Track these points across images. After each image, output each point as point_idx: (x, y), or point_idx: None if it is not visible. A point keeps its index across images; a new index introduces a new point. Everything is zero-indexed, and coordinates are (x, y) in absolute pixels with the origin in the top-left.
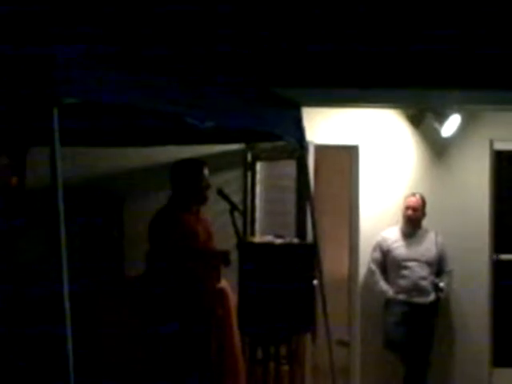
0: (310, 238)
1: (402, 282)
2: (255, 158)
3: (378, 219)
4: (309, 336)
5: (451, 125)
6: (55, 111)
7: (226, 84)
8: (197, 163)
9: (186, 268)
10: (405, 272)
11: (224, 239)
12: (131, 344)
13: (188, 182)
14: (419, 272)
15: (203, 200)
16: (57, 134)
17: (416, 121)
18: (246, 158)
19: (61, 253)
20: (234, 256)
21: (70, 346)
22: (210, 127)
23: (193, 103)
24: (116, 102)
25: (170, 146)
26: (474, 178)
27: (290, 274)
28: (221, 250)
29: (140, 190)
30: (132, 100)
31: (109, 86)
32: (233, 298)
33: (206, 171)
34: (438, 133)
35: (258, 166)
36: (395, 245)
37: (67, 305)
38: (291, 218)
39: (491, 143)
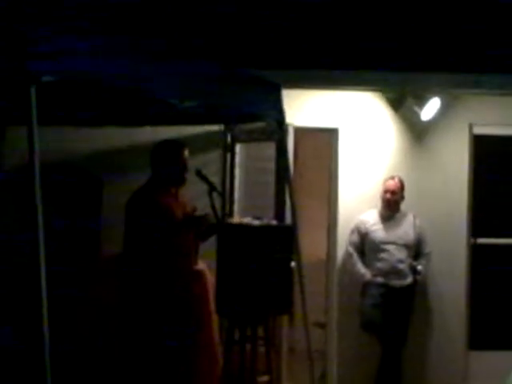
0: (288, 220)
1: (380, 265)
2: (234, 140)
3: (357, 202)
4: (286, 317)
5: (431, 108)
6: (33, 90)
7: (206, 65)
8: (177, 145)
9: (162, 249)
10: (383, 255)
11: None
12: (108, 323)
13: (167, 163)
14: (397, 255)
15: (181, 182)
16: (34, 113)
17: (396, 104)
18: (225, 139)
19: (37, 232)
20: (212, 238)
21: (45, 327)
22: (190, 107)
23: (172, 83)
24: (95, 81)
25: (149, 127)
26: (453, 162)
27: (268, 256)
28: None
29: (119, 170)
30: (110, 79)
31: (86, 65)
32: (211, 280)
33: (185, 153)
34: (417, 116)
35: (238, 147)
36: (373, 228)
37: (43, 285)
38: (270, 200)
39: (471, 127)
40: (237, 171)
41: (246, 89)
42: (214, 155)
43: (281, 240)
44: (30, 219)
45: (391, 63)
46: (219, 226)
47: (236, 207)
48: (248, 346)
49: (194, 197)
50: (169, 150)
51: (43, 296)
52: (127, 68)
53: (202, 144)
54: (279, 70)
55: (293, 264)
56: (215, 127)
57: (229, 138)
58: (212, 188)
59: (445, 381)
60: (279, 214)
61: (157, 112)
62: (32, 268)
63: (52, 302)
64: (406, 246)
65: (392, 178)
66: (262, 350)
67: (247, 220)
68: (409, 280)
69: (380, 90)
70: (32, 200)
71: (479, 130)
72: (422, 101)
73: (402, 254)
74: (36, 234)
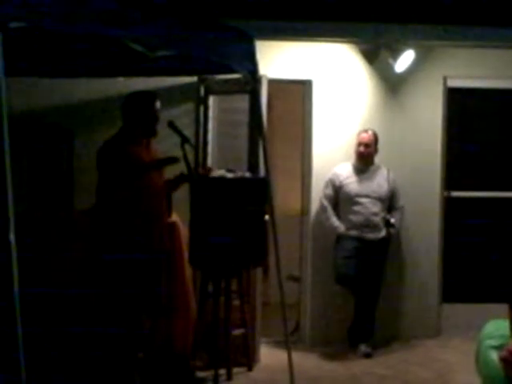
0: (262, 172)
1: (354, 218)
2: (208, 92)
3: (331, 155)
4: (260, 271)
5: (405, 61)
6: None
7: (179, 14)
8: (148, 95)
9: (134, 199)
10: (357, 208)
11: (176, 173)
12: (81, 278)
13: (138, 114)
14: (371, 208)
15: (152, 133)
16: (1, 63)
17: (370, 56)
18: (198, 91)
19: (6, 186)
20: (185, 191)
21: (16, 285)
22: (161, 58)
23: (143, 33)
24: (66, 29)
25: (122, 78)
26: (427, 114)
27: (241, 209)
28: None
29: (90, 122)
30: (83, 27)
31: (58, 11)
32: (184, 232)
33: (157, 104)
34: (391, 69)
35: (211, 100)
36: (347, 181)
37: (13, 239)
38: (244, 153)
39: (445, 80)
40: (210, 124)
41: (218, 39)
42: (187, 108)
43: (254, 193)
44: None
45: (365, 14)
46: (192, 178)
47: (209, 160)
48: (222, 299)
49: (166, 150)
50: (140, 101)
51: (13, 249)
52: (100, 16)
53: (174, 96)
54: (252, 21)
55: (266, 217)
56: (188, 79)
57: (202, 91)
58: (184, 139)
59: (418, 333)
60: (253, 166)
61: (128, 62)
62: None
63: (25, 256)
64: (380, 199)
65: (365, 130)
66: (236, 303)
67: (221, 173)
68: (382, 233)
69: (354, 42)
70: (0, 153)
71: (453, 83)
72: (396, 53)
73: (375, 207)
74: (4, 187)
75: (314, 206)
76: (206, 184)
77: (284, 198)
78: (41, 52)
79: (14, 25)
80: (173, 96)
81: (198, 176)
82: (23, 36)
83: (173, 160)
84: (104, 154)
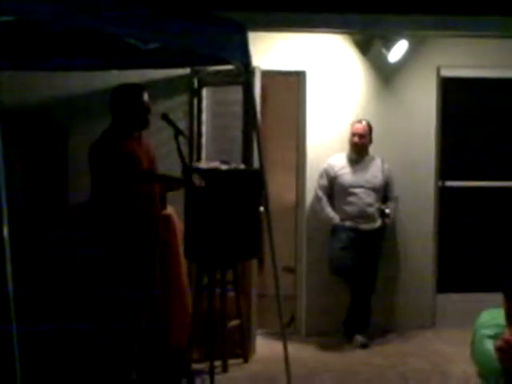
0: (256, 164)
1: (349, 209)
2: (201, 84)
3: (325, 146)
4: (255, 262)
5: (398, 50)
6: None
7: (171, 6)
8: (135, 88)
9: (128, 193)
10: (351, 198)
11: (170, 166)
12: (76, 271)
13: (127, 107)
14: (365, 198)
15: (144, 125)
16: None
17: (364, 47)
18: (191, 83)
19: None
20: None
21: (9, 281)
22: (154, 49)
23: (136, 25)
24: (56, 23)
25: (114, 71)
26: (421, 104)
27: (236, 200)
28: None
29: (84, 117)
30: (72, 20)
31: (47, 5)
32: (179, 225)
33: (145, 96)
34: (385, 59)
35: (204, 91)
36: (342, 171)
37: (6, 235)
38: (238, 145)
39: (438, 70)
40: (204, 115)
41: (211, 31)
42: (181, 100)
43: (249, 184)
44: None
45: (358, 4)
46: (186, 170)
47: (204, 152)
48: (217, 291)
49: (160, 143)
50: (127, 93)
51: (6, 245)
52: (89, 9)
53: (168, 89)
54: (245, 12)
55: (261, 208)
56: (181, 71)
57: (195, 83)
58: (178, 132)
59: (414, 324)
60: (247, 158)
61: (121, 56)
62: None
63: (19, 252)
64: (375, 190)
65: (359, 121)
66: (231, 295)
67: (215, 164)
68: (377, 223)
69: (347, 33)
70: None
71: (447, 73)
72: (389, 43)
73: (370, 198)
74: None
75: (309, 197)
76: (201, 176)
77: (278, 189)
78: (32, 46)
79: (3, 18)
80: (166, 88)
81: (192, 169)
82: (12, 30)
83: (180, 183)
84: (96, 150)
